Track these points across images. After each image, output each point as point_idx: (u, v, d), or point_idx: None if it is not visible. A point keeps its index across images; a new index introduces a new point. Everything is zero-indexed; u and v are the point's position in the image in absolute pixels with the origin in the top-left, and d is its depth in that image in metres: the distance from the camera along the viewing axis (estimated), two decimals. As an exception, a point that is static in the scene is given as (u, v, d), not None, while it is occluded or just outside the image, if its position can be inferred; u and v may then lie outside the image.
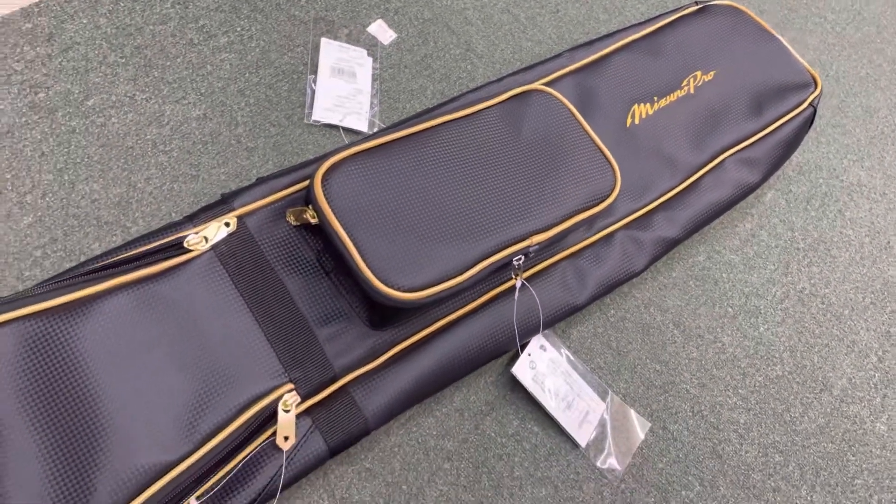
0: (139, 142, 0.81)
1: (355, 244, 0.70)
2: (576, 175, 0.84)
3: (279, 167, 0.87)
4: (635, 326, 0.95)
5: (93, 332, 0.66)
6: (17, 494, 0.58)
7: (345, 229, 0.71)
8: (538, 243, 0.79)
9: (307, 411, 0.71)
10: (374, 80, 0.96)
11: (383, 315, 0.75)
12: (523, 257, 0.79)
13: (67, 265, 0.73)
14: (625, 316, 0.95)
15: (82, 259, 0.74)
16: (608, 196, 0.86)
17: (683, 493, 0.86)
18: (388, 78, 0.98)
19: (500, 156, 0.82)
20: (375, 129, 0.93)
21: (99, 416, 0.63)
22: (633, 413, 0.88)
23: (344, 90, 0.94)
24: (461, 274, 0.73)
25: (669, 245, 0.97)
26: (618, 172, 0.88)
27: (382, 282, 0.70)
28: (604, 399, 0.87)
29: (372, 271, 0.70)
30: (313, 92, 0.92)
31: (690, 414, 0.92)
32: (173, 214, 0.79)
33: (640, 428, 0.88)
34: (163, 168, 0.81)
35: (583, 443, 0.84)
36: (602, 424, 0.86)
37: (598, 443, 0.85)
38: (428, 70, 1.02)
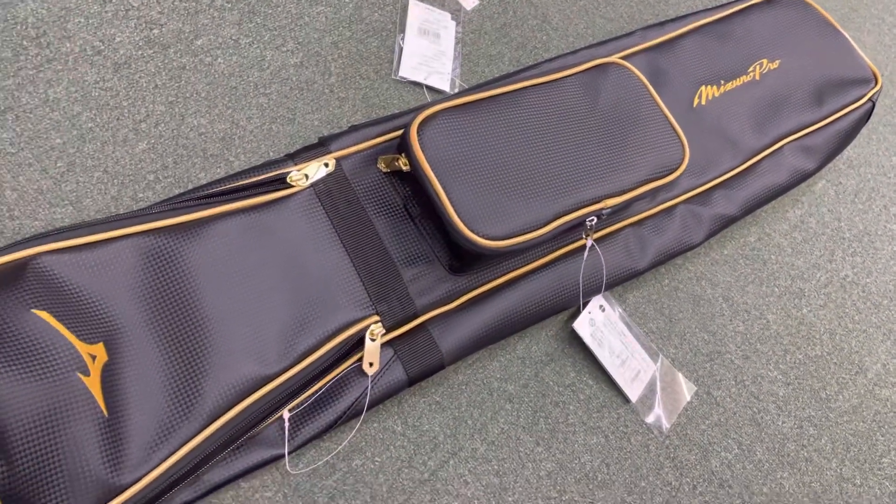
0: (242, 83, 0.86)
1: (446, 192, 0.75)
2: (648, 146, 0.89)
3: (367, 118, 0.92)
4: (687, 297, 1.00)
5: (205, 252, 0.72)
6: (138, 391, 0.64)
7: (437, 177, 0.76)
8: (610, 207, 0.83)
9: (389, 343, 0.77)
10: (456, 43, 1.01)
11: (463, 261, 0.81)
12: (595, 219, 0.83)
13: (177, 191, 0.79)
14: (678, 286, 1.00)
15: (190, 187, 0.79)
16: (677, 168, 0.90)
17: (723, 454, 0.91)
18: (469, 42, 1.02)
19: (578, 122, 0.86)
20: (457, 90, 0.98)
21: (208, 328, 0.69)
22: (680, 376, 0.93)
23: (429, 50, 0.98)
24: (540, 228, 0.78)
25: (726, 222, 1.02)
26: (686, 147, 0.92)
27: (469, 228, 0.75)
28: (654, 361, 0.93)
29: (460, 218, 0.75)
30: (401, 50, 0.96)
31: (733, 383, 0.97)
32: (271, 153, 0.85)
33: (686, 391, 0.93)
34: (262, 109, 0.86)
35: (633, 398, 0.89)
36: (652, 384, 0.91)
37: (647, 400, 0.90)
38: (506, 38, 1.06)
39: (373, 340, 0.75)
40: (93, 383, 0.62)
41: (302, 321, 0.73)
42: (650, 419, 0.90)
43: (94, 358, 0.63)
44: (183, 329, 0.69)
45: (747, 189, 1.04)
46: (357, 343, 0.75)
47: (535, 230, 0.78)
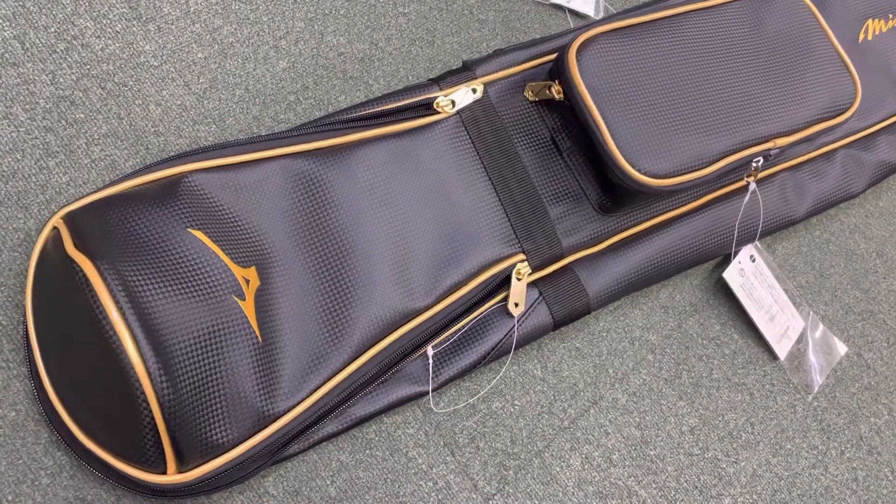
0: (380, 0, 0.81)
1: (606, 123, 0.69)
2: (819, 81, 0.80)
3: (507, 42, 0.86)
4: (839, 250, 0.92)
5: (351, 177, 0.68)
6: (290, 318, 0.62)
7: (596, 106, 0.70)
8: (780, 147, 0.76)
9: (535, 283, 0.73)
10: (601, -37, 0.93)
11: (615, 199, 0.75)
12: (762, 159, 0.76)
13: (318, 113, 0.75)
14: (829, 238, 0.93)
15: (330, 110, 0.76)
16: (848, 108, 0.82)
17: (872, 419, 0.85)
18: (614, -37, 0.94)
19: (744, 51, 0.78)
20: (602, 14, 0.91)
21: (356, 257, 0.66)
22: (831, 335, 0.87)
23: (573, -30, 0.91)
24: (706, 167, 0.71)
25: (890, 170, 0.93)
26: (859, 84, 0.83)
27: (630, 163, 0.69)
28: (804, 318, 0.86)
29: (621, 152, 0.69)
30: (543, -31, 0.89)
31: (885, 345, 0.89)
32: (410, 77, 0.80)
33: (836, 351, 0.86)
34: (402, 30, 0.81)
35: (781, 356, 0.83)
36: (801, 342, 0.85)
37: (796, 359, 0.84)
38: (653, -41, 0.97)
39: (519, 279, 0.71)
40: (248, 308, 0.59)
41: (448, 255, 0.69)
42: (797, 379, 0.84)
43: (247, 282, 0.61)
44: (332, 256, 0.66)
45: (914, 135, 0.94)
46: (503, 282, 0.71)
47: (700, 168, 0.71)
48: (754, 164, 0.76)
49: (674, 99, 0.72)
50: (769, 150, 0.75)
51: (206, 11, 0.74)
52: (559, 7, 0.90)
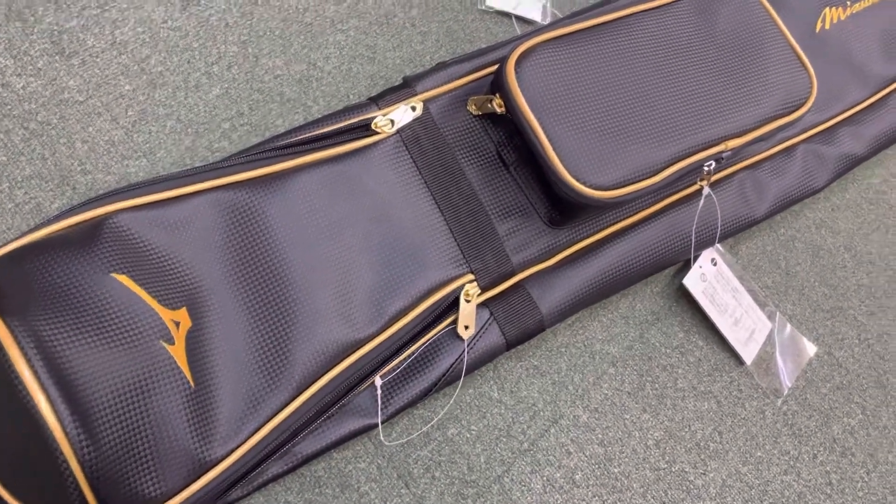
0: (317, 18, 0.79)
1: (547, 135, 0.67)
2: (771, 78, 0.78)
3: (452, 54, 0.83)
4: (805, 247, 0.90)
5: (287, 206, 0.66)
6: (224, 359, 0.60)
7: (537, 119, 0.67)
8: (732, 148, 0.74)
9: (485, 303, 0.71)
10: (547, -35, 0.91)
11: (564, 212, 0.73)
12: (714, 163, 0.74)
13: (254, 140, 0.73)
14: (795, 235, 0.90)
15: (268, 135, 0.73)
16: (804, 103, 0.79)
17: (845, 419, 0.83)
18: (561, -35, 0.92)
19: (693, 51, 0.76)
20: (550, 19, 0.88)
21: (294, 289, 0.64)
22: (799, 336, 0.85)
23: (517, -25, 0.88)
24: (654, 175, 0.69)
25: (853, 163, 0.91)
26: (814, 78, 0.81)
27: (574, 177, 0.67)
28: (771, 319, 0.84)
29: (564, 165, 0.67)
30: (487, -25, 0.87)
31: (857, 341, 0.88)
32: (351, 96, 0.78)
33: (805, 351, 0.84)
34: (341, 47, 0.78)
35: (748, 361, 0.81)
36: (768, 344, 0.83)
37: (763, 362, 0.82)
38: (602, -42, 0.95)
39: (468, 301, 0.69)
40: (178, 352, 0.57)
41: (392, 281, 0.67)
42: (766, 383, 0.82)
43: (177, 324, 0.58)
44: (268, 291, 0.64)
45: (877, 124, 0.92)
46: (451, 304, 0.69)
47: (648, 177, 0.69)
48: (706, 168, 0.74)
49: (618, 106, 0.70)
50: (720, 152, 0.73)
51: (132, 42, 0.72)
52: (505, 14, 0.87)
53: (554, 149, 0.67)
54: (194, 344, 0.59)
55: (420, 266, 0.68)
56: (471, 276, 0.70)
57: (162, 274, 0.60)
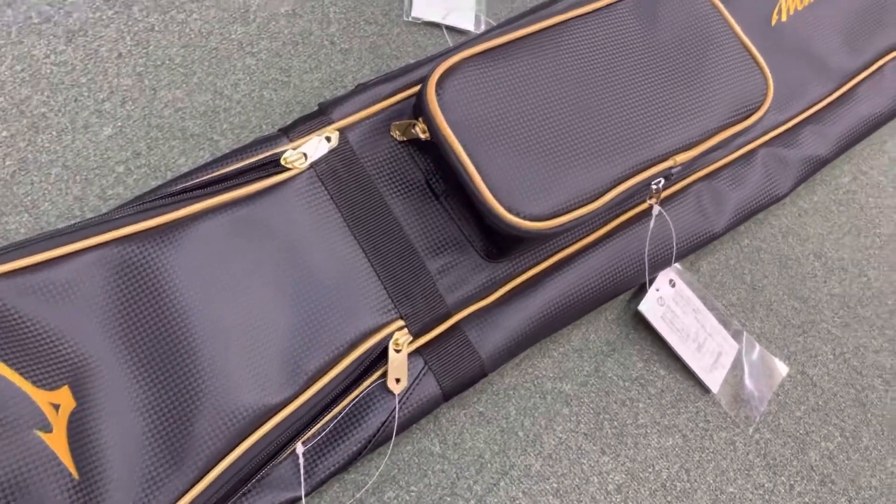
0: (223, 42, 0.71)
1: (475, 163, 0.61)
2: (722, 82, 0.72)
3: (377, 72, 0.76)
4: (772, 258, 0.84)
5: (186, 259, 0.59)
6: (114, 440, 0.53)
7: (462, 146, 0.61)
8: (681, 163, 0.67)
9: (418, 351, 0.64)
10: (479, -31, 0.84)
11: (500, 245, 0.66)
12: (662, 180, 0.68)
13: (153, 183, 0.66)
14: (760, 246, 0.84)
15: (169, 176, 0.66)
16: (759, 107, 0.73)
17: (823, 444, 0.77)
18: (495, -33, 0.85)
19: (635, 58, 0.69)
20: (483, 28, 0.81)
21: (196, 352, 0.57)
22: (769, 356, 0.78)
23: (446, -19, 0.81)
24: (596, 200, 0.63)
25: (818, 165, 0.84)
26: (770, 78, 0.74)
27: (506, 208, 0.60)
28: (737, 340, 0.78)
29: (494, 196, 0.60)
30: (412, -17, 0.80)
31: (832, 357, 0.82)
32: (264, 126, 0.71)
33: (777, 372, 0.78)
34: (251, 72, 0.71)
35: (714, 388, 0.75)
36: (735, 368, 0.77)
37: (731, 388, 0.76)
38: (539, -43, 0.88)
39: (398, 351, 0.62)
40: (57, 440, 0.50)
41: (309, 335, 0.60)
42: (735, 411, 0.76)
43: (56, 407, 0.51)
44: (165, 357, 0.57)
45: (841, 122, 0.86)
46: (379, 356, 0.62)
47: (588, 203, 0.62)
48: (654, 186, 0.67)
49: (553, 125, 0.63)
50: (669, 168, 0.67)
51: (10, 81, 0.64)
52: (435, 25, 0.80)
53: (482, 177, 0.60)
54: (78, 427, 0.52)
55: (341, 316, 0.62)
56: (400, 323, 0.63)
57: (38, 349, 0.53)
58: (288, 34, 0.74)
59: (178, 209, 0.60)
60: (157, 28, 0.70)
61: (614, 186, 0.64)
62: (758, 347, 0.79)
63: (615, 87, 0.67)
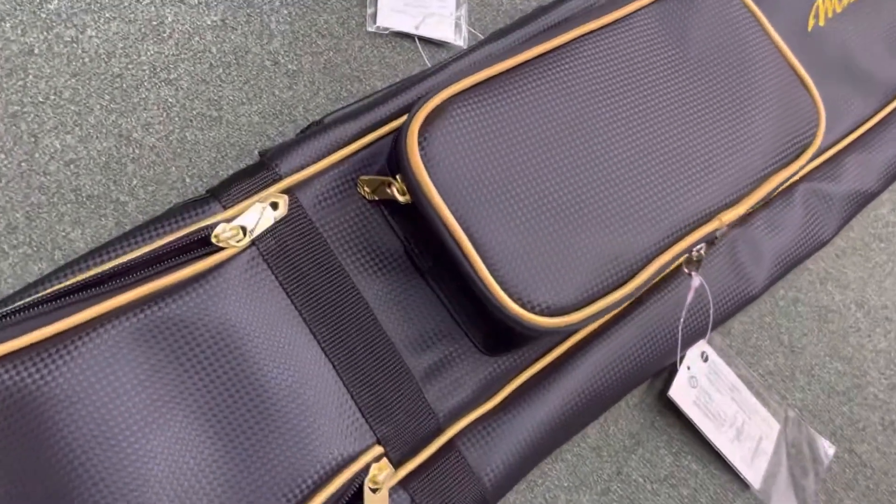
0: (130, 66, 0.54)
1: (471, 237, 0.46)
2: (766, 112, 0.58)
3: (336, 101, 0.60)
4: (810, 311, 0.71)
5: (80, 386, 0.42)
6: None
7: (454, 214, 0.46)
8: (728, 223, 0.53)
9: (402, 483, 0.49)
10: (458, -36, 0.67)
11: (503, 341, 0.51)
12: (704, 245, 0.53)
13: (34, 269, 0.48)
14: (797, 297, 0.71)
15: (58, 258, 0.49)
16: (811, 142, 0.59)
17: (877, 537, 0.65)
18: (478, -39, 0.69)
19: (664, 86, 0.55)
20: (467, 39, 0.65)
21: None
22: (814, 435, 0.66)
23: (419, -19, 0.65)
24: (630, 280, 0.49)
25: (863, 201, 0.72)
26: (820, 104, 0.61)
27: (515, 298, 0.45)
28: (778, 419, 0.65)
29: (498, 280, 0.45)
30: (377, -16, 0.63)
31: (880, 428, 0.70)
32: (187, 179, 0.54)
33: (823, 455, 0.66)
34: (168, 107, 0.54)
35: (755, 483, 0.62)
36: (777, 453, 0.64)
37: (773, 478, 0.63)
38: (530, -52, 0.72)
39: (375, 490, 0.47)
40: None
41: (252, 484, 0.45)
42: (779, 506, 0.63)
43: None
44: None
45: (887, 148, 0.73)
46: (354, 497, 0.47)
47: (620, 285, 0.48)
48: (695, 255, 0.53)
49: (569, 185, 0.49)
50: (713, 231, 0.52)
51: None
52: (406, 36, 0.64)
53: (482, 258, 0.45)
54: None
55: (297, 450, 0.46)
56: (378, 450, 0.48)
57: None
58: (216, 52, 0.57)
59: (69, 315, 0.43)
60: (37, 51, 0.52)
61: (651, 260, 0.49)
62: (803, 426, 0.66)
63: (644, 127, 0.52)
